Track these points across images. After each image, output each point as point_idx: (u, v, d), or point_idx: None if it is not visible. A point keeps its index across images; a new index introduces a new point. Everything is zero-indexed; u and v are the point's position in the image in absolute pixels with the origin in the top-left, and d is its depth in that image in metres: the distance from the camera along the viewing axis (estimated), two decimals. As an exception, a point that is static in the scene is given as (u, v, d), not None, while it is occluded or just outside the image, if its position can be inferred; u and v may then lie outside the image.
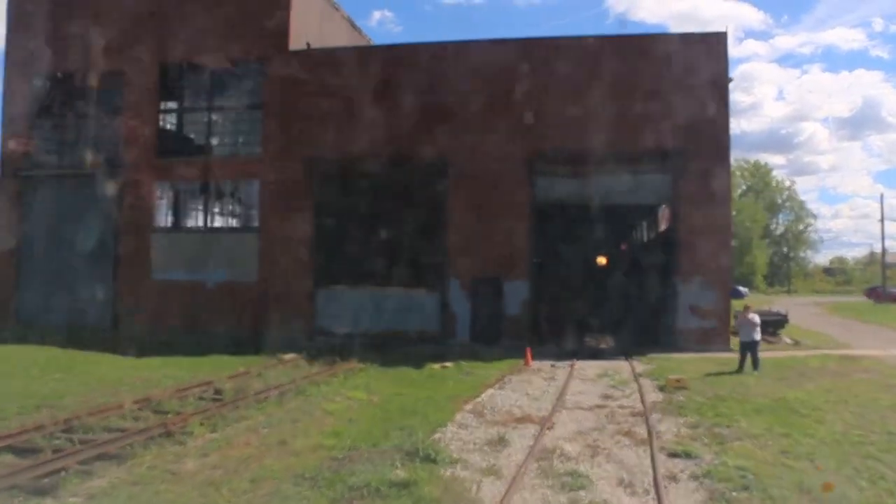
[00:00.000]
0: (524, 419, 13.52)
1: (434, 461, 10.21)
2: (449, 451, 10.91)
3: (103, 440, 11.82)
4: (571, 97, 26.86)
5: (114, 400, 15.66)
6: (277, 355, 23.02)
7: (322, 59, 29.28)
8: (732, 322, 25.20)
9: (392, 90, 28.19)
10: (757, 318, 20.75)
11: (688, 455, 10.66)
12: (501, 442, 11.61)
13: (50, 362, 21.21)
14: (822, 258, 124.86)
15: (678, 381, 17.11)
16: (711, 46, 26.53)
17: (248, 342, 25.76)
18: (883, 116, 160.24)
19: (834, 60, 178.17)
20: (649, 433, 11.96)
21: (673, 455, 10.75)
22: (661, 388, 17.10)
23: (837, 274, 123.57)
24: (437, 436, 11.97)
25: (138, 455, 11.18)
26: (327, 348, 24.26)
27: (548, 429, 12.58)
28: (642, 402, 15.24)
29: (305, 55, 29.24)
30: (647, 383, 18.07)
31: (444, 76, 28.00)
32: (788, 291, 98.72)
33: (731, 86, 27.13)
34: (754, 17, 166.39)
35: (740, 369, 19.93)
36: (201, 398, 16.48)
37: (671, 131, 26.09)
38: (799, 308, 40.92)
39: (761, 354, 20.92)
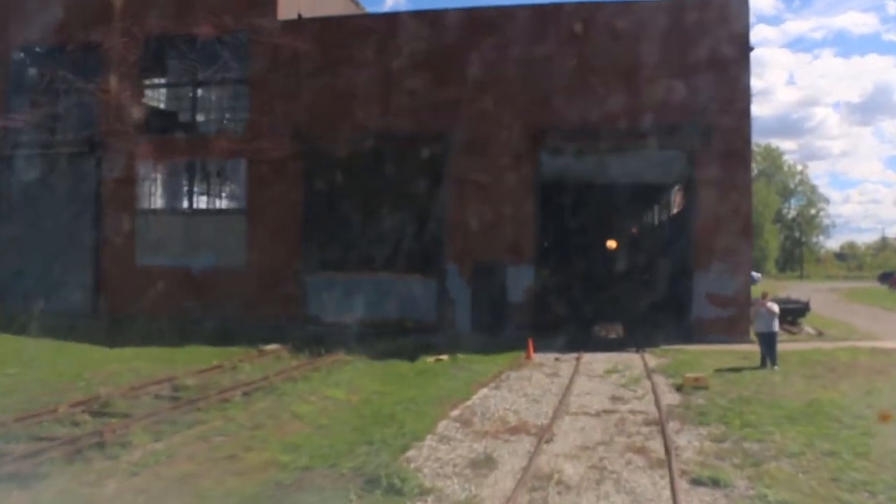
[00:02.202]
0: (519, 429, 11.55)
1: (399, 492, 8.25)
2: (421, 476, 8.90)
3: (21, 454, 9.99)
4: (581, 66, 24.81)
5: (64, 399, 13.97)
6: (259, 346, 21.26)
7: (313, 30, 27.15)
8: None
9: (387, 61, 26.12)
10: (775, 308, 18.67)
11: (716, 483, 8.68)
12: (488, 462, 9.62)
13: (11, 354, 19.46)
14: (832, 243, 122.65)
15: (697, 379, 15.13)
16: (732, 10, 24.30)
17: (233, 331, 23.98)
18: (895, 101, 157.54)
19: (846, 45, 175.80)
20: (667, 451, 9.98)
21: (697, 482, 8.77)
22: (678, 388, 15.12)
23: (849, 259, 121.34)
24: (410, 453, 9.99)
25: (54, 475, 9.38)
26: (316, 338, 22.53)
27: (546, 442, 10.63)
28: (657, 405, 13.25)
29: (295, 26, 27.15)
30: (661, 381, 16.10)
31: (443, 45, 25.91)
32: (801, 277, 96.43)
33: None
34: (766, 1, 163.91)
35: (763, 364, 17.97)
36: (157, 397, 14.72)
37: (688, 103, 23.95)
38: (816, 294, 38.83)
39: (783, 346, 18.99)
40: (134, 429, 11.65)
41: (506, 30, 25.44)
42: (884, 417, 11.19)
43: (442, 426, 11.65)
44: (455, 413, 12.63)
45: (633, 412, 12.92)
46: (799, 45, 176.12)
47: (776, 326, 18.36)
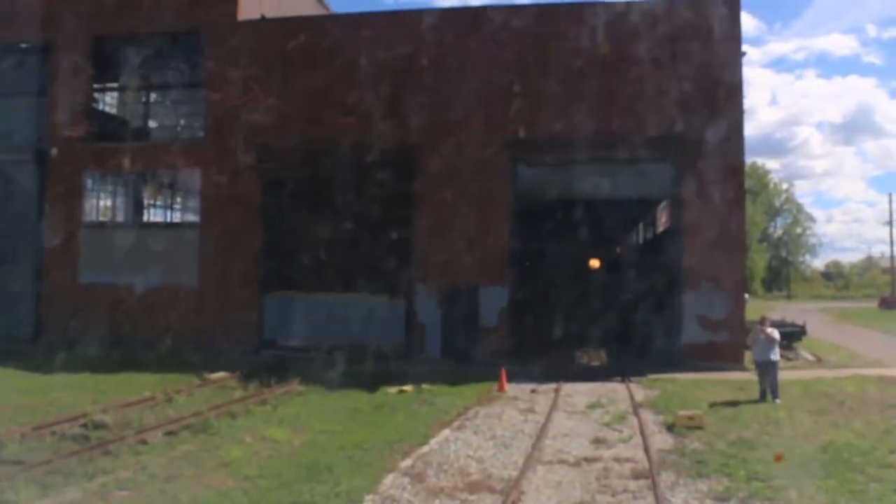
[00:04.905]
0: (481, 484, 9.50)
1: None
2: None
3: None
4: (559, 74, 23.02)
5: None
6: (204, 374, 19.25)
7: (275, 31, 25.26)
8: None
9: (355, 68, 24.10)
10: (776, 334, 16.77)
11: (725, 568, 6.73)
12: (435, 537, 7.65)
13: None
14: (817, 263, 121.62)
15: (691, 418, 13.18)
16: (723, 14, 22.60)
17: (181, 356, 22.02)
18: (877, 122, 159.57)
19: (827, 66, 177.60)
20: (661, 518, 8.02)
21: (702, 567, 6.83)
22: (669, 428, 13.16)
23: (836, 278, 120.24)
24: (338, 525, 8.01)
25: None
26: (271, 365, 20.61)
27: (512, 504, 8.65)
28: (646, 451, 11.25)
29: (256, 26, 25.31)
30: (650, 418, 14.16)
31: (414, 51, 23.99)
32: (788, 297, 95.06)
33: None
34: (748, 23, 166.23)
35: (763, 397, 16.08)
36: (64, 438, 12.61)
37: (675, 112, 22.25)
38: (806, 316, 37.08)
39: (781, 375, 17.02)
40: (18, 481, 9.66)
41: (482, 32, 23.60)
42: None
43: (387, 482, 9.53)
44: (406, 464, 10.48)
45: (618, 460, 10.90)
46: (781, 65, 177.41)
47: (777, 355, 16.48)
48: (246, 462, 11.11)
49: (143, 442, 12.13)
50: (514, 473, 9.99)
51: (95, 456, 11.18)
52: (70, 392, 16.99)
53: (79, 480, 10.06)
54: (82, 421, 13.37)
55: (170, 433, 12.78)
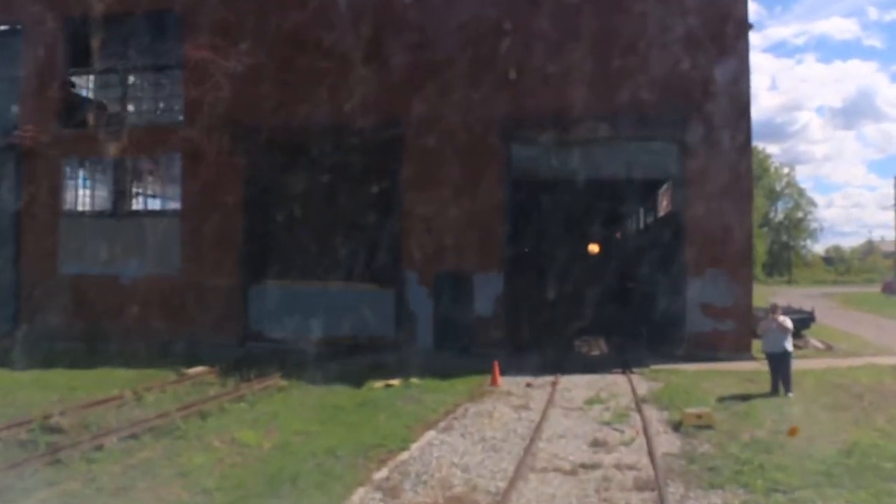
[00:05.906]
0: (464, 499, 8.37)
1: None
2: None
3: None
4: (556, 48, 21.83)
5: None
6: (181, 369, 18.18)
7: (254, 7, 24.06)
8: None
9: (338, 43, 22.90)
10: (788, 323, 15.62)
11: None
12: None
13: None
14: (818, 248, 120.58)
15: (699, 416, 12.06)
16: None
17: (161, 349, 21.03)
18: (877, 106, 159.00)
19: (828, 50, 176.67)
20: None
21: None
22: (676, 427, 12.04)
23: (837, 263, 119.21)
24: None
25: None
26: (254, 358, 19.61)
27: (498, 524, 7.55)
28: (651, 455, 10.14)
29: (233, 3, 24.08)
30: (654, 416, 13.05)
31: (400, 25, 22.85)
32: (789, 282, 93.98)
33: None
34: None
35: (775, 390, 14.98)
36: (10, 444, 11.47)
37: (678, 88, 21.10)
38: (809, 301, 35.87)
39: (792, 364, 15.91)
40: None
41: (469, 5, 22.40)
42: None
43: (356, 498, 8.35)
44: (381, 474, 9.30)
45: (619, 466, 9.76)
46: (781, 49, 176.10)
47: (790, 345, 15.36)
48: (207, 471, 10.01)
49: (99, 448, 11.05)
50: (503, 485, 8.87)
51: (42, 465, 10.12)
52: (37, 390, 16.04)
53: (15, 496, 8.98)
54: (40, 423, 12.29)
55: (132, 437, 11.70)
